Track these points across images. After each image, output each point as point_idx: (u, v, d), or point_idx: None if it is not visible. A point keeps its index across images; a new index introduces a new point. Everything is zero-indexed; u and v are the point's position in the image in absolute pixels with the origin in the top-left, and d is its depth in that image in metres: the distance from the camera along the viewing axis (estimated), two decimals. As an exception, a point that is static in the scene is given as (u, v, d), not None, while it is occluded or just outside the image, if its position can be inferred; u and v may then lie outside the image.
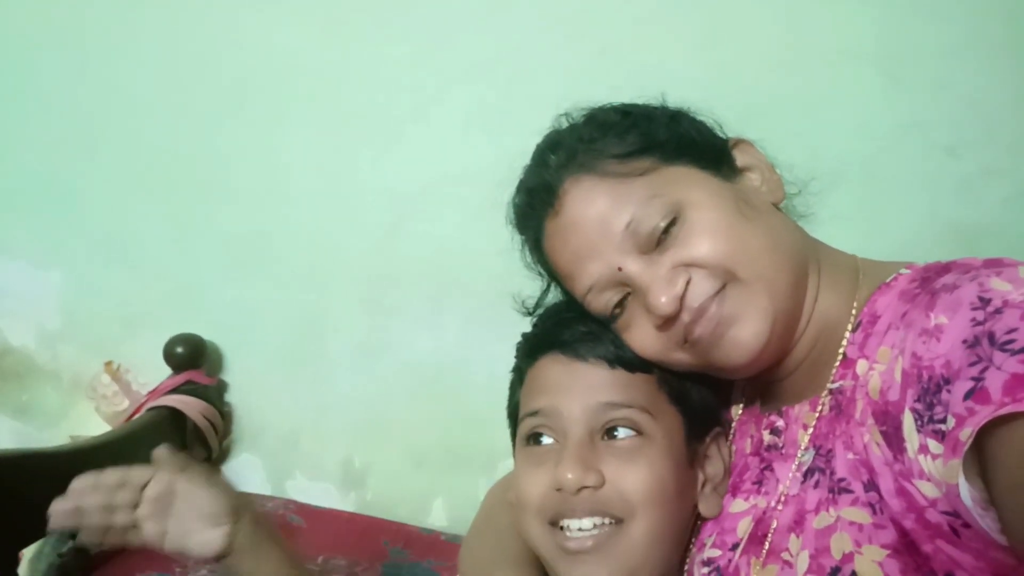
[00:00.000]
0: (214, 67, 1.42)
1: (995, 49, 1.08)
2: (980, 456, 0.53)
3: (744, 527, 0.75)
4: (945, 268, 0.66)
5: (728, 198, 0.72)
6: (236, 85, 1.41)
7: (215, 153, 1.44)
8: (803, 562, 0.66)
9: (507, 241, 1.24)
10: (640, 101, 0.80)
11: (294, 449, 1.48)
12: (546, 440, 0.77)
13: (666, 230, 0.70)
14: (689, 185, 0.72)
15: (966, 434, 0.53)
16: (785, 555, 0.69)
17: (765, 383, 0.81)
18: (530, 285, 0.88)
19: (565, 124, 0.81)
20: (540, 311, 0.88)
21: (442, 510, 1.40)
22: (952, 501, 0.56)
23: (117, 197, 1.49)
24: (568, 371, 0.77)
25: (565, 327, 0.80)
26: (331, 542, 1.32)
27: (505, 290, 1.30)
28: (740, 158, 0.78)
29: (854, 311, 0.71)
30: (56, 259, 1.52)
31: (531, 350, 0.83)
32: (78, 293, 1.51)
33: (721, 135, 0.80)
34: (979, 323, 0.56)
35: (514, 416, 0.85)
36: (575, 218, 0.73)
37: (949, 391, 0.56)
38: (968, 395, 0.54)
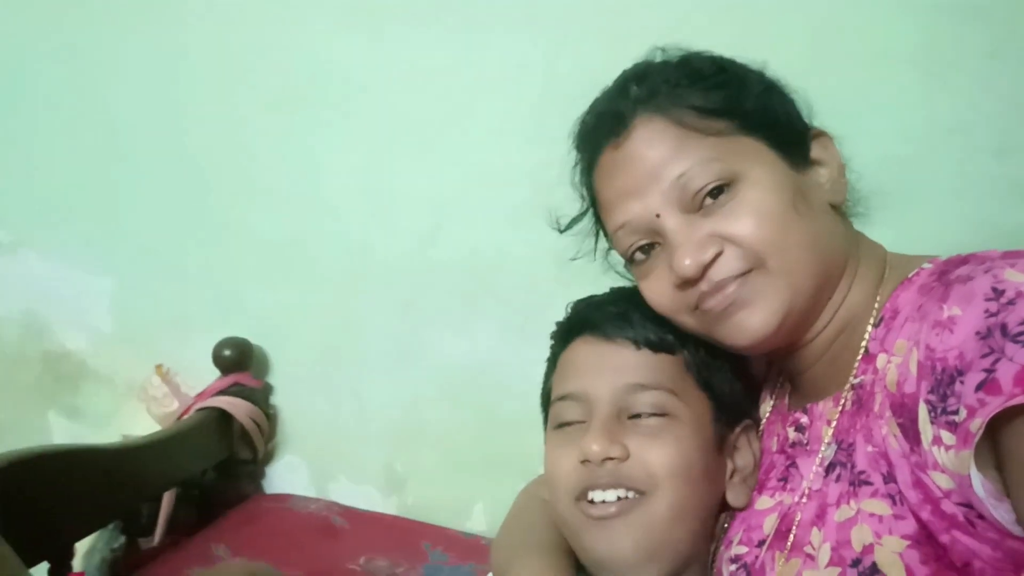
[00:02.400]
0: (255, 76, 1.46)
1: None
2: (994, 448, 0.53)
3: (770, 524, 0.76)
4: (963, 260, 0.65)
5: (787, 187, 0.71)
6: (276, 93, 1.44)
7: (257, 161, 1.48)
8: (824, 554, 0.66)
9: (542, 246, 1.27)
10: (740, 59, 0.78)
11: (336, 452, 1.50)
12: (575, 422, 0.79)
13: (715, 195, 0.70)
14: (754, 161, 0.71)
15: (976, 425, 0.53)
16: (808, 548, 0.69)
17: (789, 377, 0.82)
18: (569, 205, 0.88)
19: (659, 58, 0.79)
20: (567, 229, 0.88)
21: (482, 515, 1.41)
22: (965, 492, 0.56)
23: (164, 205, 1.54)
24: (596, 353, 0.79)
25: (596, 309, 0.83)
26: (373, 544, 1.35)
27: (539, 295, 1.33)
28: (815, 150, 0.76)
29: (876, 306, 0.71)
30: (108, 267, 1.57)
31: (564, 334, 0.85)
32: (130, 299, 1.57)
33: (806, 120, 0.78)
34: (992, 315, 0.55)
35: (545, 403, 0.87)
36: (633, 155, 0.73)
37: (962, 383, 0.55)
38: (980, 386, 0.54)
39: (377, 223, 1.41)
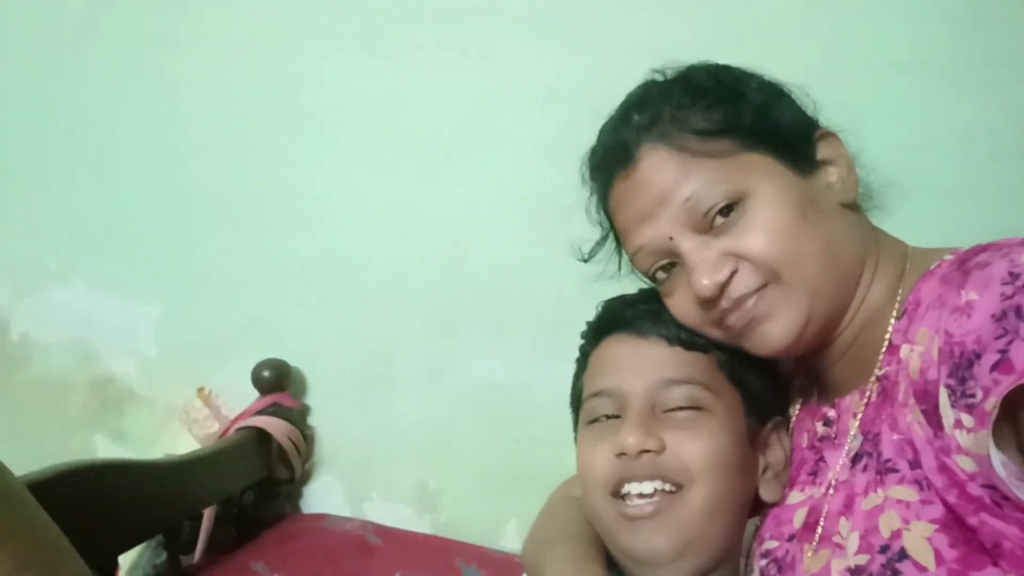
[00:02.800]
0: (290, 103, 1.52)
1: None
2: (1015, 429, 0.54)
3: (800, 517, 0.76)
4: (982, 249, 0.66)
5: (795, 196, 0.72)
6: (311, 119, 1.50)
7: (292, 186, 1.53)
8: (853, 543, 0.67)
9: (570, 264, 1.30)
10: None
11: (370, 471, 1.52)
12: (608, 417, 0.79)
13: (725, 214, 0.72)
14: (760, 176, 0.72)
15: (991, 404, 0.53)
16: (836, 538, 0.69)
17: (814, 374, 0.83)
18: (589, 231, 0.91)
19: (658, 79, 0.81)
20: (591, 258, 0.91)
21: (515, 532, 1.42)
22: (987, 474, 0.56)
23: (204, 232, 1.59)
24: (630, 350, 0.81)
25: (628, 307, 0.84)
26: (406, 561, 1.36)
27: (568, 313, 1.34)
28: (823, 151, 0.77)
29: (898, 299, 0.72)
30: (154, 294, 1.63)
31: (595, 333, 0.86)
32: (173, 324, 1.62)
33: (812, 119, 0.79)
34: (1008, 297, 0.56)
35: (576, 402, 0.89)
36: (643, 183, 0.75)
37: (979, 365, 0.56)
38: (994, 367, 0.54)
39: (409, 244, 1.45)
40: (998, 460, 0.55)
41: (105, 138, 1.65)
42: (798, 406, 0.87)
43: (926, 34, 1.14)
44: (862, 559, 0.65)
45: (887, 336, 0.72)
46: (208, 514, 1.38)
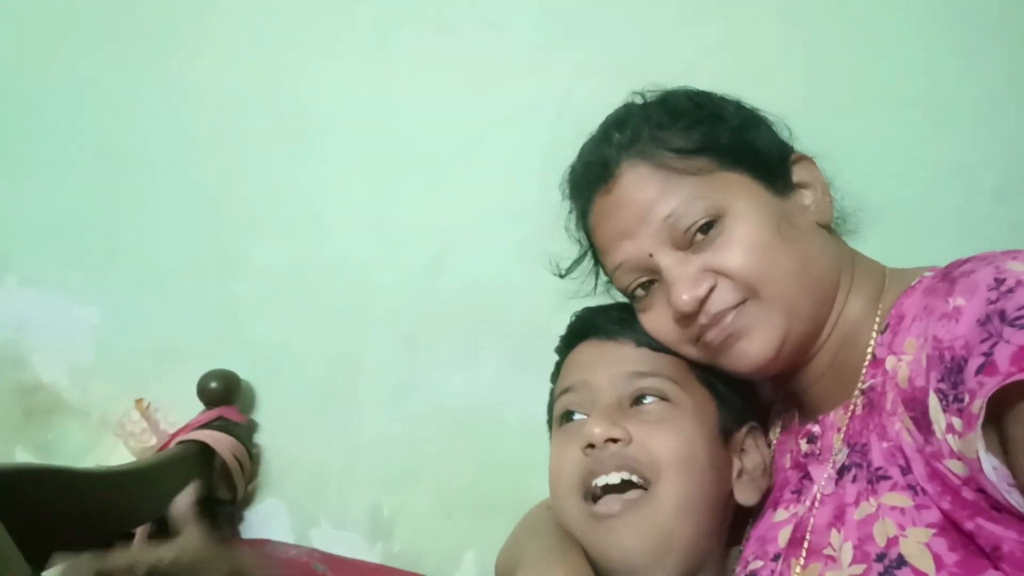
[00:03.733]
0: (256, 103, 1.46)
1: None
2: (998, 430, 0.54)
3: (785, 536, 0.75)
4: (964, 260, 0.68)
5: (772, 215, 0.74)
6: (278, 120, 1.44)
7: (253, 188, 1.46)
8: (846, 554, 0.66)
9: (546, 282, 1.26)
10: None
11: (320, 495, 1.43)
12: (578, 416, 0.80)
13: (705, 231, 0.73)
14: (737, 194, 0.74)
15: (977, 406, 0.54)
16: (827, 551, 0.68)
17: (794, 396, 0.83)
18: (567, 249, 0.93)
19: (638, 101, 0.84)
20: (568, 274, 0.93)
21: (472, 564, 1.34)
22: (977, 478, 0.56)
23: (154, 232, 1.50)
24: (599, 350, 0.83)
25: (600, 313, 0.86)
26: (357, 591, 1.27)
27: (541, 331, 1.31)
28: (798, 174, 0.80)
29: (879, 315, 0.73)
30: (93, 295, 1.52)
31: (569, 340, 0.88)
32: (113, 329, 1.51)
33: (787, 144, 0.82)
34: (992, 302, 0.57)
35: (550, 417, 0.89)
36: (623, 200, 0.77)
37: (966, 370, 0.57)
38: (979, 370, 0.55)
39: (379, 255, 1.39)
40: (989, 464, 0.54)
41: (53, 129, 1.56)
42: (778, 430, 0.87)
43: (906, 70, 1.16)
44: (857, 569, 0.64)
45: (869, 350, 0.72)
46: (140, 533, 1.27)
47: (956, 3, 1.15)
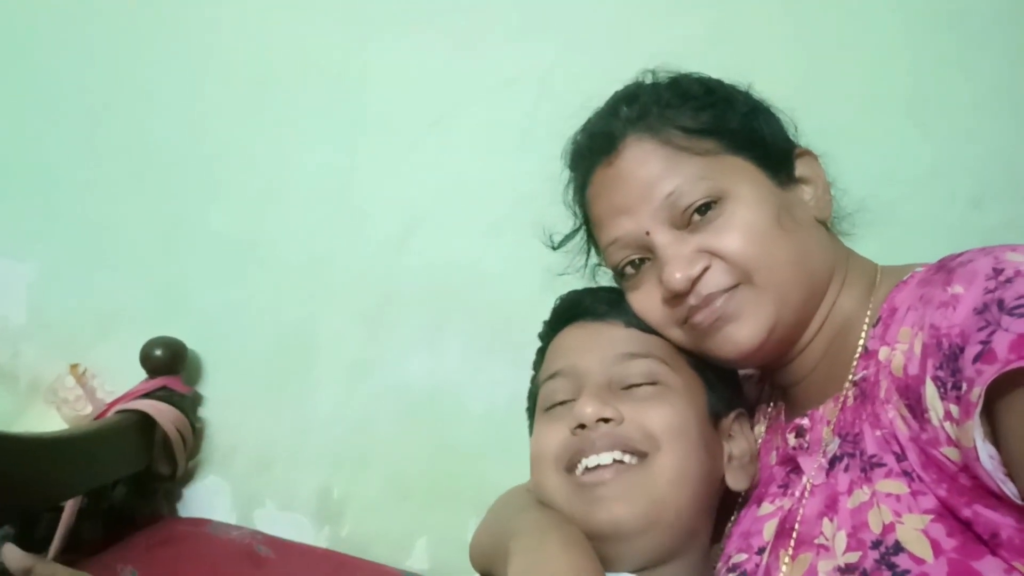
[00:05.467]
0: (219, 61, 1.39)
1: (1021, 104, 1.10)
2: (994, 424, 0.53)
3: (771, 529, 0.73)
4: (960, 253, 0.67)
5: (772, 204, 0.73)
6: (242, 80, 1.37)
7: (211, 147, 1.39)
8: (840, 542, 0.64)
9: (518, 262, 1.22)
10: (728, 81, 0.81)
11: (267, 474, 1.37)
12: (565, 401, 0.76)
13: (703, 212, 0.72)
14: (741, 179, 0.73)
15: (976, 394, 0.53)
16: (819, 540, 0.67)
17: (785, 390, 0.82)
18: (561, 223, 0.90)
19: (649, 80, 0.82)
20: (563, 246, 0.90)
21: (424, 551, 1.29)
22: (972, 466, 0.55)
23: (103, 189, 1.41)
24: (586, 333, 0.80)
25: (588, 295, 0.84)
26: (301, 577, 1.21)
27: (510, 314, 1.27)
28: (800, 169, 0.79)
29: (870, 310, 0.73)
30: (30, 251, 1.42)
31: (552, 325, 0.85)
32: (50, 288, 1.42)
33: (792, 139, 0.82)
34: (990, 291, 0.57)
35: (532, 402, 0.85)
36: (625, 174, 0.75)
37: (963, 358, 0.57)
38: (977, 358, 0.55)
39: (344, 227, 1.33)
40: (986, 453, 0.54)
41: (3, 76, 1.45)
42: (763, 428, 0.86)
43: (891, 72, 1.16)
44: (852, 557, 0.62)
45: (861, 343, 0.72)
46: (71, 506, 1.19)
47: (943, 8, 1.15)
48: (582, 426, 0.71)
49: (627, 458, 0.71)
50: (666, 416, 0.72)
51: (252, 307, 1.36)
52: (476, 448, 1.27)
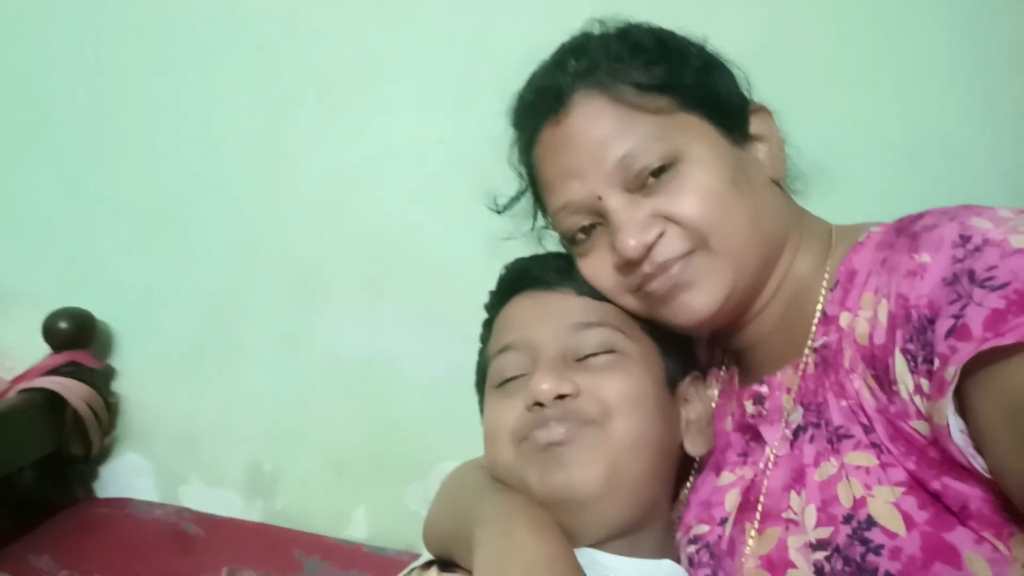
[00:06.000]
0: (129, 16, 1.26)
1: (954, 61, 1.12)
2: (963, 398, 0.53)
3: (732, 500, 0.73)
4: (919, 216, 0.67)
5: (728, 164, 0.71)
6: (154, 37, 1.25)
7: (120, 107, 1.27)
8: (810, 517, 0.64)
9: (457, 228, 1.18)
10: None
11: (191, 450, 1.31)
12: (518, 376, 0.74)
13: (657, 175, 0.69)
14: (696, 139, 0.70)
15: (951, 373, 0.53)
16: (787, 514, 0.66)
17: (738, 355, 0.81)
18: (505, 185, 0.85)
19: (598, 30, 0.77)
20: (508, 209, 0.86)
21: (363, 520, 1.27)
22: (943, 442, 0.55)
23: (3, 148, 1.28)
24: (537, 303, 0.77)
25: (536, 263, 0.81)
26: (236, 555, 1.17)
27: (448, 281, 1.23)
28: (755, 125, 0.76)
29: (827, 272, 0.72)
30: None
31: (500, 296, 0.81)
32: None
33: (746, 94, 0.78)
34: (959, 260, 0.56)
35: (481, 377, 0.82)
36: (575, 134, 0.71)
37: (933, 331, 0.56)
38: (949, 333, 0.54)
39: (268, 191, 1.25)
40: (957, 427, 0.54)
41: None
42: (716, 392, 0.84)
43: (823, 27, 1.14)
44: (824, 532, 0.62)
45: (819, 308, 0.71)
46: (-26, 495, 1.10)
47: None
48: (539, 403, 0.69)
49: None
50: (622, 385, 0.70)
51: (167, 276, 1.28)
52: (416, 419, 1.24)
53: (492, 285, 0.87)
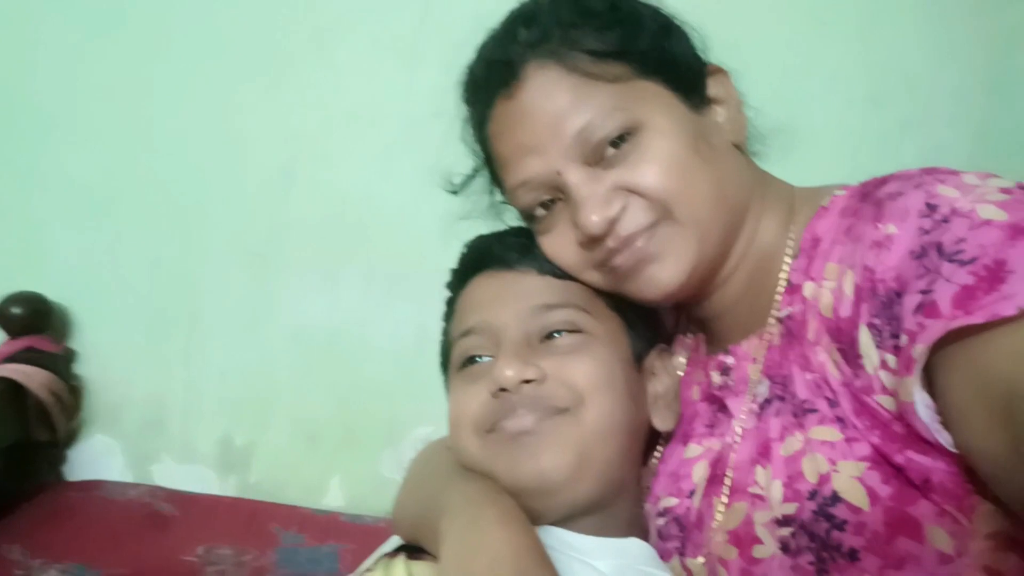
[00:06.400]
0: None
1: (918, 5, 1.09)
2: (931, 374, 0.52)
3: (700, 472, 0.72)
4: (883, 181, 0.65)
5: (689, 131, 0.68)
6: (96, 1, 1.20)
7: (72, 83, 1.22)
8: (776, 492, 0.63)
9: (415, 186, 1.15)
10: None
11: (160, 429, 1.29)
12: (482, 359, 0.71)
13: (616, 145, 0.66)
14: (655, 107, 0.68)
15: (919, 351, 0.51)
16: (754, 489, 0.66)
17: (703, 323, 0.79)
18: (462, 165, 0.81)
19: None
20: (465, 190, 0.82)
21: (339, 490, 1.28)
22: (909, 418, 0.55)
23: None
24: (498, 284, 0.74)
25: (497, 241, 0.78)
26: (211, 531, 1.16)
27: (411, 245, 1.21)
28: (713, 88, 0.73)
29: (791, 239, 0.70)
30: None
31: (461, 275, 0.78)
32: None
33: (702, 56, 0.75)
34: (926, 232, 0.55)
35: (446, 357, 0.79)
36: (530, 108, 0.68)
37: (900, 305, 0.55)
38: (918, 309, 0.52)
39: (222, 161, 1.21)
40: (923, 403, 0.53)
41: None
42: (684, 358, 0.83)
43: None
44: (790, 508, 0.62)
45: (783, 276, 0.69)
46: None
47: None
48: (503, 389, 0.67)
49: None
50: (590, 369, 0.68)
51: (121, 253, 1.24)
52: (387, 386, 1.24)
53: (456, 248, 0.84)
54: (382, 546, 0.75)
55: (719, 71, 0.74)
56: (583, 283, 0.72)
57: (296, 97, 1.18)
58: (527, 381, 0.66)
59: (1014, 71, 1.14)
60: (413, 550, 0.68)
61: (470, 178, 0.81)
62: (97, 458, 1.30)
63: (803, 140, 1.12)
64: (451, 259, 0.86)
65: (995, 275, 0.50)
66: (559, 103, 0.66)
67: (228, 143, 1.20)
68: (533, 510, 0.64)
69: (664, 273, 0.67)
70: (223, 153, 1.21)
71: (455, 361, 0.73)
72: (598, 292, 0.73)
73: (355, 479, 1.27)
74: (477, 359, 0.71)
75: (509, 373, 0.66)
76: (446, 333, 0.80)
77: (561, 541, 0.65)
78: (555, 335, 0.70)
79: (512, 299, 0.71)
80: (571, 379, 0.67)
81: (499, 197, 0.82)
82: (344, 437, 1.26)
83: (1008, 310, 0.48)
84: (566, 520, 0.67)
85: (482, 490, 0.65)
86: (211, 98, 1.19)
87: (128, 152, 1.21)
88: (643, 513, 0.75)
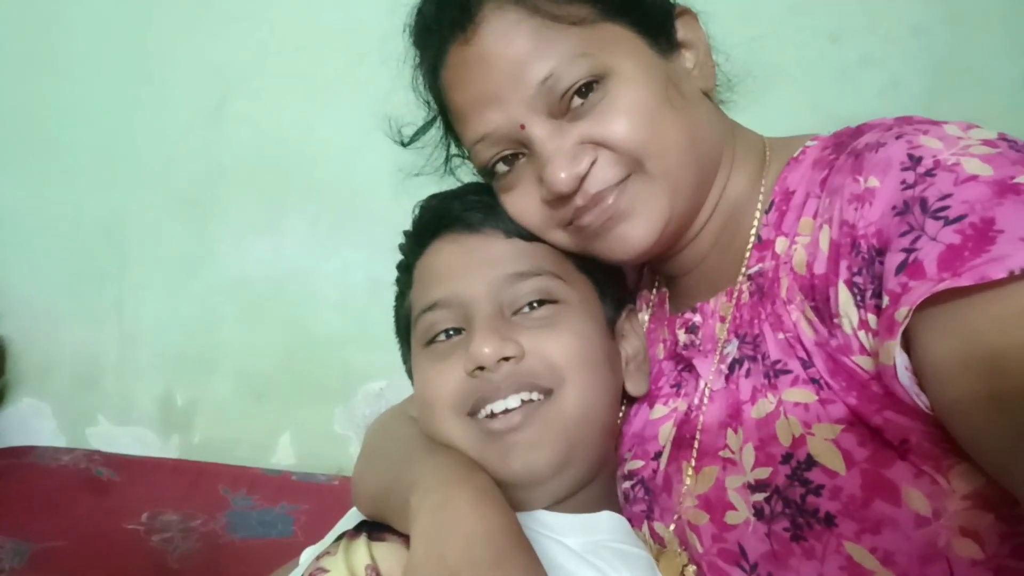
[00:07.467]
0: None
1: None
2: (911, 333, 0.49)
3: (666, 433, 0.69)
4: (858, 131, 0.61)
5: (659, 79, 0.63)
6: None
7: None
8: (748, 456, 0.61)
9: (362, 124, 1.07)
10: None
11: (94, 388, 1.22)
12: (450, 334, 0.66)
13: (583, 94, 0.61)
14: (623, 53, 0.63)
15: (902, 313, 0.49)
16: (724, 453, 0.63)
17: (670, 279, 0.76)
18: (412, 113, 0.73)
19: None
20: (413, 142, 0.75)
21: (289, 446, 1.23)
22: (888, 380, 0.52)
23: None
24: (463, 250, 0.68)
25: (455, 200, 0.71)
26: (156, 496, 1.11)
27: (357, 186, 1.14)
28: (681, 31, 0.68)
29: (762, 192, 0.66)
30: None
31: (418, 239, 0.71)
32: None
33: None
34: (909, 186, 0.52)
35: (404, 327, 0.73)
36: (488, 54, 0.62)
37: (882, 263, 0.52)
38: (900, 268, 0.50)
39: (146, 98, 1.12)
40: (902, 364, 0.50)
41: None
42: (647, 317, 0.79)
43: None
44: (763, 472, 0.59)
45: (754, 231, 0.66)
46: None
47: None
48: (481, 367, 0.62)
49: (534, 395, 0.63)
50: (569, 343, 0.64)
51: (41, 202, 1.15)
52: (336, 338, 1.18)
53: (408, 198, 0.78)
54: (340, 522, 0.70)
55: (687, 12, 0.68)
56: (549, 244, 0.67)
57: (226, 25, 1.08)
58: (505, 359, 0.62)
59: (973, 5, 1.12)
60: (375, 527, 0.65)
61: (423, 129, 0.74)
62: (26, 422, 1.23)
63: (763, 79, 1.09)
64: (403, 209, 0.80)
65: (983, 234, 0.47)
66: (519, 48, 0.61)
67: (154, 78, 1.11)
68: (518, 499, 0.62)
69: (635, 231, 0.63)
70: (149, 89, 1.11)
71: (419, 335, 0.67)
72: (566, 253, 0.68)
73: (305, 436, 1.22)
74: (445, 334, 0.66)
75: (487, 351, 0.61)
76: (402, 299, 0.74)
77: (531, 518, 0.62)
78: (529, 304, 0.65)
79: (480, 267, 0.66)
80: (551, 356, 0.63)
81: (454, 151, 0.75)
82: (293, 392, 1.21)
83: (998, 272, 0.45)
84: (550, 505, 0.65)
85: (454, 465, 0.61)
86: (132, 24, 1.09)
87: (43, 89, 1.11)
88: (616, 483, 0.73)
